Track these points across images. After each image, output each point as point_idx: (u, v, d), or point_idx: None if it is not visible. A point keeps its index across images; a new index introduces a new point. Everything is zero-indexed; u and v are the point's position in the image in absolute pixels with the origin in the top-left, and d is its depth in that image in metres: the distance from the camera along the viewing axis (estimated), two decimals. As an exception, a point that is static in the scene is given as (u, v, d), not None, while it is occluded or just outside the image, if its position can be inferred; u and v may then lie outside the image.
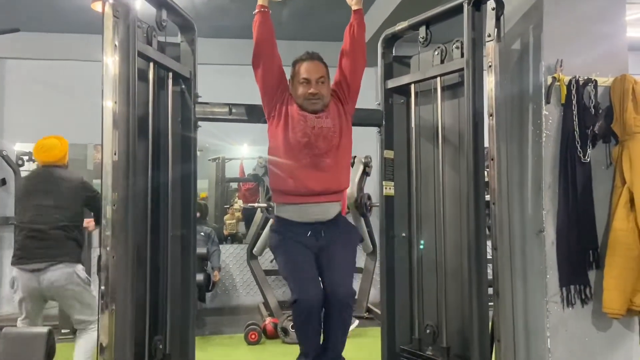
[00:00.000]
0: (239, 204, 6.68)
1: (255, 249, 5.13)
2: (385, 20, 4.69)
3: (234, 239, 6.49)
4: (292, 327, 4.37)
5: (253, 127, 2.90)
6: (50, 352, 2.34)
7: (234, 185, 7.00)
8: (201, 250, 4.97)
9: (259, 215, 5.36)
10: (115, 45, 2.00)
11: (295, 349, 2.46)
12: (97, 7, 4.34)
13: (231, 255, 6.16)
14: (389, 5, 4.64)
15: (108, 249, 1.98)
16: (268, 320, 4.67)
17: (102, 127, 1.98)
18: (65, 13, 5.22)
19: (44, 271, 3.01)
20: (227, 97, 2.79)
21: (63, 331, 4.26)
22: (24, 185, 3.34)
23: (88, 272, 3.29)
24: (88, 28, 5.28)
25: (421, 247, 2.87)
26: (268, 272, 5.39)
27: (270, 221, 2.66)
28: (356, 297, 5.59)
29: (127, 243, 2.04)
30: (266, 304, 5.02)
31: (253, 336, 4.44)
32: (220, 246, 5.80)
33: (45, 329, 2.36)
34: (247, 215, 6.43)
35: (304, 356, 2.42)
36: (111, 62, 1.99)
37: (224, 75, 5.61)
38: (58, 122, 5.61)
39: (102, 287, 1.98)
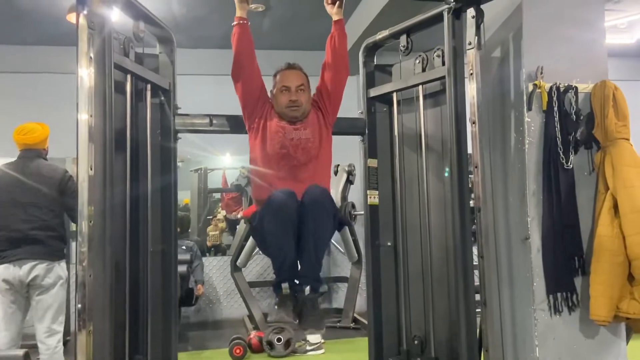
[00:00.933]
0: (222, 214, 6.61)
1: (239, 260, 5.07)
2: (365, 29, 4.70)
3: (218, 250, 6.41)
4: (277, 340, 4.32)
5: (235, 137, 2.87)
6: (26, 375, 2.25)
7: (217, 195, 6.94)
8: (181, 268, 4.82)
9: (242, 226, 5.30)
10: (91, 58, 1.94)
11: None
12: (73, 18, 4.25)
13: (214, 268, 6.08)
14: (369, 14, 4.65)
15: (85, 265, 1.91)
16: (253, 334, 4.60)
17: (77, 141, 1.92)
18: (40, 25, 5.13)
19: (26, 261, 3.02)
20: (208, 108, 2.75)
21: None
22: (1, 177, 3.18)
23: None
24: (64, 40, 5.20)
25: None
26: (252, 284, 5.33)
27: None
28: (342, 306, 5.61)
29: (105, 260, 1.97)
30: (251, 316, 4.96)
31: (238, 351, 4.36)
32: (204, 258, 5.73)
33: (21, 352, 2.27)
34: (231, 226, 6.37)
35: (276, 274, 2.37)
36: (86, 74, 1.93)
37: (204, 86, 5.56)
38: (35, 136, 5.52)
39: (79, 305, 1.91)
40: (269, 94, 2.53)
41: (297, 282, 2.36)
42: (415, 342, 2.76)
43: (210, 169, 6.65)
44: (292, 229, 2.25)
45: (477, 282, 2.36)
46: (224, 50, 5.62)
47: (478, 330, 2.35)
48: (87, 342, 1.89)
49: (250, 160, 2.49)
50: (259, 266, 5.88)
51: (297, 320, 2.37)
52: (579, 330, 2.39)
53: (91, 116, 1.93)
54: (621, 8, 4.84)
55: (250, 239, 4.94)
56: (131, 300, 2.33)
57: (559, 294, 2.36)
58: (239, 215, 5.61)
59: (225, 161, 6.59)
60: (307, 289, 2.40)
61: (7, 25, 5.17)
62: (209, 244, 6.41)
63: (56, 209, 3.13)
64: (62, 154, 5.59)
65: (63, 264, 3.16)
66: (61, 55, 5.39)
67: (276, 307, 2.38)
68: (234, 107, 2.71)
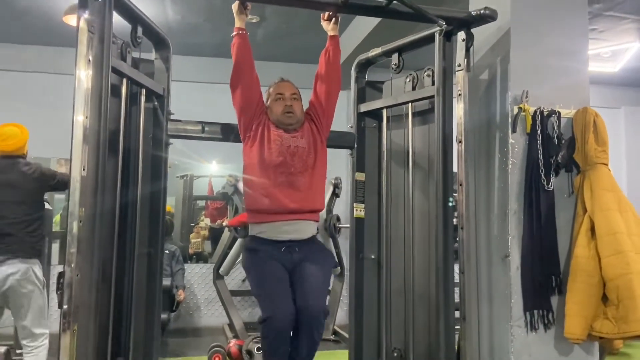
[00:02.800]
0: (205, 222, 6.60)
1: (222, 268, 5.06)
2: (358, 45, 4.77)
3: (199, 258, 6.38)
4: (257, 349, 4.31)
5: (223, 145, 2.89)
6: (6, 373, 2.25)
7: (201, 203, 6.92)
8: (165, 282, 4.78)
9: (226, 234, 5.30)
10: (89, 60, 1.97)
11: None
12: (69, 20, 4.27)
13: (196, 275, 6.05)
14: (362, 31, 4.73)
15: (72, 266, 1.92)
16: (233, 342, 4.57)
17: (72, 142, 1.94)
18: (35, 25, 5.12)
19: (1, 264, 2.99)
20: (200, 115, 2.78)
21: (18, 351, 4.09)
22: None
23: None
24: (58, 41, 5.21)
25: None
26: (234, 293, 5.31)
27: (244, 241, 2.64)
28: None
29: (93, 261, 1.98)
30: (231, 325, 4.94)
31: (217, 359, 4.34)
32: (185, 265, 5.70)
33: (2, 349, 2.27)
34: (215, 234, 6.36)
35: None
36: (84, 76, 1.96)
37: (197, 93, 5.59)
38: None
39: (65, 306, 1.91)
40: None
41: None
42: (395, 354, 2.79)
43: (196, 176, 6.64)
44: (287, 346, 2.27)
45: (457, 297, 2.41)
46: (216, 59, 5.70)
47: (456, 345, 2.40)
48: (71, 343, 1.89)
49: (245, 169, 2.48)
50: (241, 274, 5.87)
51: None
52: (553, 347, 2.45)
53: (87, 117, 1.95)
54: (605, 37, 5.01)
55: (234, 248, 4.95)
56: (116, 302, 2.34)
57: (535, 312, 2.42)
58: (224, 224, 5.60)
59: (211, 169, 6.59)
60: None
61: (1, 24, 5.15)
62: (190, 251, 6.38)
63: (35, 205, 3.12)
64: (48, 154, 5.58)
65: (37, 265, 3.10)
66: (54, 55, 5.40)
67: None
68: (223, 116, 2.74)
